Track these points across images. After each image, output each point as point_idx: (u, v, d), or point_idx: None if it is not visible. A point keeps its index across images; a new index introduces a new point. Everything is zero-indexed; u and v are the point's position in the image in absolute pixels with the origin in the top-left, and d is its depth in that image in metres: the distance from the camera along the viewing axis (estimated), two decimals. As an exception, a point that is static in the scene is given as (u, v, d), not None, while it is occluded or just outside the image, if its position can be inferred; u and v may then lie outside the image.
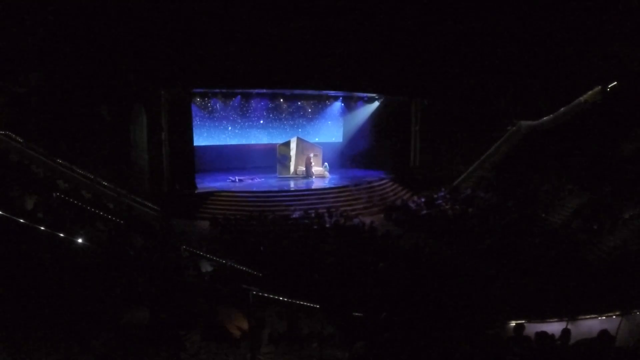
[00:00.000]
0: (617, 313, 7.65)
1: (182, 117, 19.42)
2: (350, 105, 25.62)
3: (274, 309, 6.52)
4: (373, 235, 13.30)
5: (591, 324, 7.52)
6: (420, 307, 7.84)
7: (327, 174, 22.35)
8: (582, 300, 9.23)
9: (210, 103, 23.14)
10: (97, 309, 4.43)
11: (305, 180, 21.54)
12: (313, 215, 15.73)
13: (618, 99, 20.10)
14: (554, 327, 6.79)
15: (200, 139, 22.61)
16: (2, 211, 4.89)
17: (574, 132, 19.78)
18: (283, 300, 6.36)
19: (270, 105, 24.41)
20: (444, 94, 22.43)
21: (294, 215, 15.87)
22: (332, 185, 20.42)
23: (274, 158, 22.75)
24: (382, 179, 21.92)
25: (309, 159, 22.04)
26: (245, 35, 18.56)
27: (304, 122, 25.78)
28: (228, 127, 24.04)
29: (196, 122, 21.88)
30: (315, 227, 14.45)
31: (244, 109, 23.98)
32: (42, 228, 5.27)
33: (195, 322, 5.16)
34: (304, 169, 22.21)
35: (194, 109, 21.33)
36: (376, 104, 25.00)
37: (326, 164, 22.80)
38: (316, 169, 22.63)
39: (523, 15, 21.41)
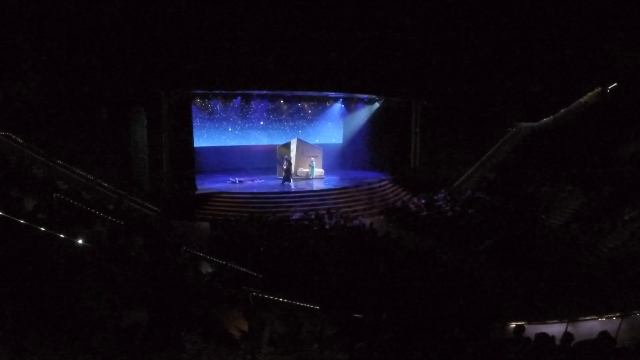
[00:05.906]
0: (617, 314, 7.66)
1: (182, 118, 19.38)
2: (350, 106, 25.60)
3: (274, 311, 6.51)
4: (373, 236, 13.30)
5: (591, 325, 7.53)
6: (421, 308, 7.85)
7: (316, 172, 21.65)
8: (582, 302, 9.23)
9: (210, 104, 23.12)
10: (97, 309, 4.42)
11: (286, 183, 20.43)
12: (313, 216, 15.74)
13: (618, 100, 20.12)
14: (554, 329, 6.80)
15: (201, 140, 22.58)
16: (2, 212, 4.88)
17: (574, 133, 19.81)
18: (283, 302, 6.35)
19: (270, 106, 24.39)
20: (444, 95, 22.42)
21: (294, 217, 15.87)
22: (332, 187, 20.41)
23: (274, 159, 22.73)
24: (382, 180, 21.92)
25: (288, 162, 20.52)
26: (246, 37, 18.58)
27: (304, 124, 25.75)
28: (228, 129, 24.01)
29: (196, 123, 21.83)
30: (315, 228, 14.46)
31: (244, 110, 23.95)
32: (42, 229, 5.26)
33: (195, 323, 5.15)
34: (305, 170, 22.06)
35: (194, 110, 21.30)
36: (376, 105, 24.98)
37: (312, 160, 21.67)
38: (300, 169, 22.10)
39: (523, 15, 21.44)
